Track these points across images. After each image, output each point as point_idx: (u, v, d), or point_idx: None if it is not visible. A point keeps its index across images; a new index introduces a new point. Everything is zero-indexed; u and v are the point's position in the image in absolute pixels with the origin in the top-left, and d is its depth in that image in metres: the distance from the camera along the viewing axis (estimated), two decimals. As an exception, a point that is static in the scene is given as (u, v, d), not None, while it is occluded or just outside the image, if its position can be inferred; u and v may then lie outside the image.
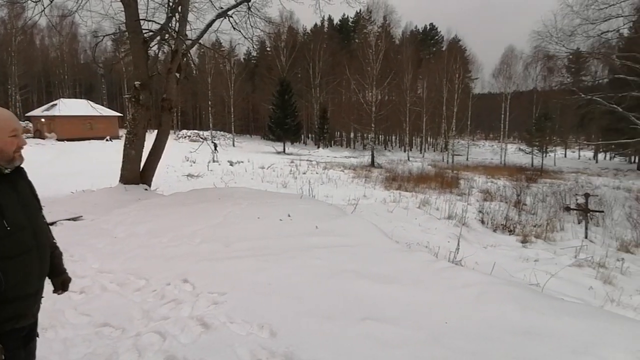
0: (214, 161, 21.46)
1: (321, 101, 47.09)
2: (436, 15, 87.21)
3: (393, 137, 57.05)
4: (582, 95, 16.66)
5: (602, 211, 9.25)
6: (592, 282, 5.25)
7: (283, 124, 38.23)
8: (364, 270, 3.40)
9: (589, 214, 8.48)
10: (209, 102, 42.72)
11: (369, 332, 2.34)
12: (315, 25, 53.77)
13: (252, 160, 24.44)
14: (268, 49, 52.38)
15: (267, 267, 3.57)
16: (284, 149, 37.61)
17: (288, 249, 4.18)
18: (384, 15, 51.29)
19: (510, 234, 8.56)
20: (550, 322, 2.43)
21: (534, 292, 3.22)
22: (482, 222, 9.52)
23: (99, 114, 28.54)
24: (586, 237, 7.77)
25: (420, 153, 45.66)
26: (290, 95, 39.52)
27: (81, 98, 38.75)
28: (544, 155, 32.05)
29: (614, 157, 37.74)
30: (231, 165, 21.53)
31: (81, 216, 6.42)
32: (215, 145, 22.55)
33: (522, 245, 7.47)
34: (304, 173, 19.02)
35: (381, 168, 24.55)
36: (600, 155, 40.79)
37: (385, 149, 48.49)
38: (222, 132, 44.40)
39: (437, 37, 60.13)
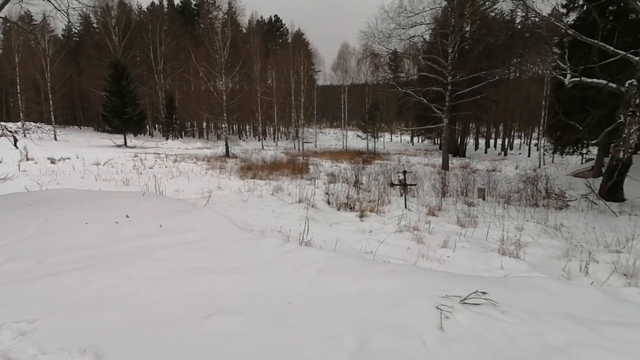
0: (27, 159, 17.25)
1: (167, 88, 43.01)
2: (280, 7, 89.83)
3: (247, 127, 56.88)
4: (399, 89, 19.85)
5: (415, 184, 11.38)
6: (410, 244, 6.39)
7: (122, 113, 33.22)
8: (212, 264, 3.32)
9: (407, 188, 10.29)
10: (18, 87, 33.73)
11: (214, 328, 2.30)
12: (153, 4, 48.31)
13: (83, 156, 20.63)
14: (95, 25, 44.52)
15: (96, 279, 3.09)
16: (125, 142, 33.02)
17: (125, 254, 3.72)
18: (228, 1, 49.93)
19: (351, 211, 9.65)
20: (376, 284, 2.86)
21: (365, 261, 3.73)
22: (329, 202, 10.46)
23: None
24: (405, 207, 9.41)
25: (274, 141, 47.00)
26: (129, 81, 34.56)
27: None
28: (376, 140, 37.31)
29: (424, 140, 46.91)
30: (53, 163, 17.70)
31: None
32: (15, 140, 18.04)
33: (360, 220, 8.50)
34: (151, 167, 17.17)
35: (236, 158, 24.22)
36: (415, 139, 50.07)
37: (240, 139, 48.03)
38: (37, 124, 35.87)
39: (282, 29, 62.17)
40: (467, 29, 21.31)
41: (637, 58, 9.55)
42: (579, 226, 7.70)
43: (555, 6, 13.39)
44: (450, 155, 23.79)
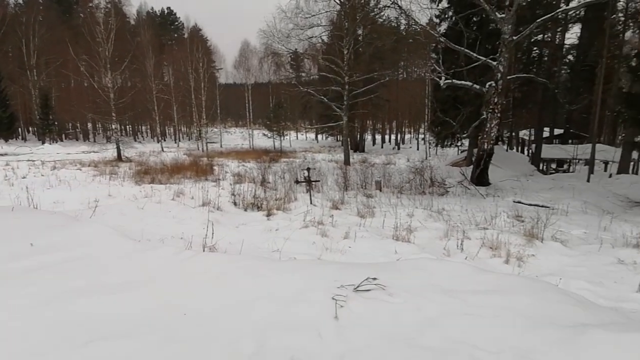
0: None
1: (41, 85, 36.86)
2: (173, 0, 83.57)
3: (143, 127, 52.05)
4: (301, 88, 20.27)
5: (319, 180, 11.81)
6: (315, 238, 6.62)
7: (-12, 116, 27.39)
8: (94, 284, 2.97)
9: (311, 184, 10.61)
10: None
11: (94, 356, 2.07)
12: (29, -6, 40.87)
13: None
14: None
15: None
16: (-7, 149, 27.34)
17: (-21, 284, 3.10)
18: (111, -12, 44.72)
19: (258, 211, 9.57)
20: (276, 283, 2.89)
21: (267, 260, 3.74)
22: (235, 203, 10.21)
23: None
24: (311, 203, 9.70)
25: (175, 143, 43.98)
26: (-1, 79, 28.61)
27: None
28: (282, 138, 37.59)
29: (328, 137, 48.89)
30: None
31: None
32: None
33: (267, 219, 8.49)
34: (24, 177, 14.56)
35: (130, 162, 22.01)
36: (320, 137, 51.86)
37: (135, 140, 43.74)
38: None
39: (177, 23, 58.29)
40: (360, 32, 22.75)
41: (494, 63, 11.36)
42: (456, 209, 8.88)
43: (431, 16, 15.15)
44: (351, 151, 25.22)
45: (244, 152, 29.87)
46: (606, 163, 19.35)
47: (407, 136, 52.19)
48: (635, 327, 2.37)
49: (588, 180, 14.46)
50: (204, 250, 4.94)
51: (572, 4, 17.07)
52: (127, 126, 49.85)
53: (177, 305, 2.59)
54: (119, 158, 24.04)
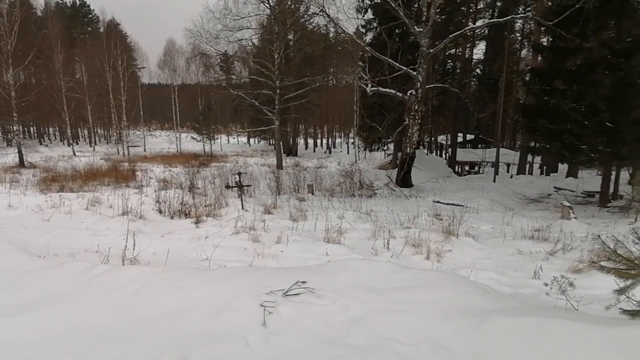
0: None
1: None
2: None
3: (50, 130, 46.45)
4: (232, 91, 19.79)
5: (250, 185, 11.63)
6: (246, 244, 6.48)
7: None
8: (-15, 310, 2.57)
9: (243, 189, 10.40)
10: None
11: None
12: None
13: None
14: None
15: None
16: None
17: None
18: (13, -26, 39.26)
19: (186, 218, 9.09)
20: (202, 293, 2.78)
21: (193, 270, 3.57)
22: (160, 211, 9.58)
23: None
24: (242, 208, 9.50)
25: (91, 146, 39.96)
26: None
27: None
28: (213, 142, 36.26)
29: (260, 141, 48.37)
30: None
31: None
32: None
33: (195, 226, 8.12)
34: None
35: (35, 168, 19.48)
36: (252, 140, 51.06)
37: (41, 144, 38.85)
38: None
39: (91, 16, 53.18)
40: (291, 37, 22.93)
41: (414, 73, 12.24)
42: (383, 210, 9.36)
43: (357, 26, 15.85)
44: (284, 154, 25.23)
45: (171, 157, 28.19)
46: (508, 165, 21.97)
47: (338, 140, 53.73)
48: (530, 311, 2.72)
49: (494, 181, 16.26)
50: (123, 264, 4.57)
51: (478, 23, 19.18)
52: (32, 128, 44.13)
53: (88, 326, 2.36)
54: (21, 164, 21.14)
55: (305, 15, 21.54)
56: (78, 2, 52.30)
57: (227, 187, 11.18)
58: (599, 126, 9.31)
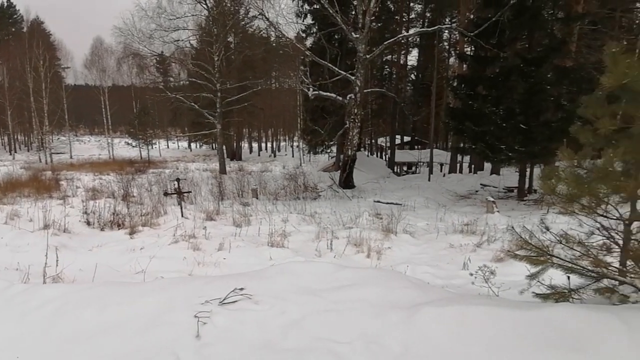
0: None
1: None
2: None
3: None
4: (169, 94, 18.91)
5: (190, 191, 11.20)
6: (186, 253, 6.23)
7: None
8: None
9: (182, 195, 9.98)
10: None
11: None
12: None
13: None
14: None
15: None
16: None
17: None
18: None
19: (119, 229, 8.52)
20: (131, 309, 2.62)
21: (123, 285, 3.36)
22: (89, 223, 8.87)
23: None
24: (182, 216, 9.10)
25: (10, 154, 35.81)
26: None
27: None
28: (150, 147, 34.21)
29: (202, 145, 46.68)
30: None
31: None
32: None
33: (130, 237, 7.64)
34: None
35: None
36: (193, 145, 49.07)
37: (-53, 153, 33.99)
38: None
39: (16, 16, 47.87)
40: (231, 40, 22.47)
41: (353, 78, 12.66)
42: (326, 212, 9.53)
43: (298, 31, 16.01)
44: (227, 159, 24.58)
45: (102, 164, 26.11)
46: (441, 165, 23.56)
47: (282, 144, 53.61)
48: (455, 301, 2.95)
49: (429, 180, 17.33)
50: (44, 282, 4.18)
51: (410, 32, 20.35)
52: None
53: (8, 348, 2.12)
54: None
55: (246, 18, 21.25)
56: (5, 3, 46.86)
57: (166, 194, 10.66)
58: (514, 128, 10.36)
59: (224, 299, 2.75)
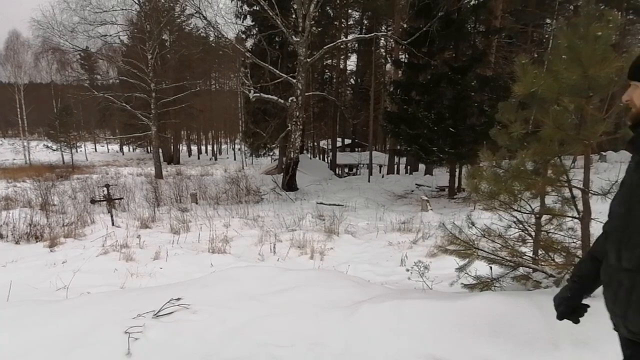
0: None
1: None
2: None
3: None
4: (96, 93, 17.46)
5: (122, 198, 10.44)
6: (117, 264, 5.79)
7: None
8: None
9: (112, 202, 9.25)
10: None
11: None
12: None
13: None
14: None
15: None
16: None
17: None
18: None
19: (37, 241, 7.69)
20: (47, 331, 2.36)
21: (41, 303, 3.03)
22: (1, 236, 7.91)
23: None
24: (113, 224, 8.45)
25: None
26: None
27: None
28: (75, 150, 31.16)
29: (136, 148, 43.66)
30: None
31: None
32: None
33: (50, 251, 6.94)
34: None
35: None
36: (126, 148, 45.66)
37: None
38: None
39: None
40: (167, 38, 21.36)
41: (294, 80, 12.70)
42: (269, 215, 9.45)
43: (238, 32, 15.69)
44: (164, 163, 23.27)
45: (17, 169, 23.27)
46: (380, 166, 24.58)
47: (224, 147, 52.05)
48: (392, 296, 3.08)
49: (369, 181, 17.97)
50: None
51: (349, 37, 21.00)
52: None
53: None
54: None
55: (182, 16, 20.32)
56: None
57: (93, 201, 9.82)
58: (444, 131, 11.15)
59: (159, 311, 2.61)
